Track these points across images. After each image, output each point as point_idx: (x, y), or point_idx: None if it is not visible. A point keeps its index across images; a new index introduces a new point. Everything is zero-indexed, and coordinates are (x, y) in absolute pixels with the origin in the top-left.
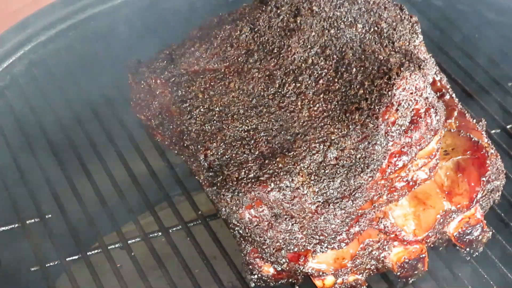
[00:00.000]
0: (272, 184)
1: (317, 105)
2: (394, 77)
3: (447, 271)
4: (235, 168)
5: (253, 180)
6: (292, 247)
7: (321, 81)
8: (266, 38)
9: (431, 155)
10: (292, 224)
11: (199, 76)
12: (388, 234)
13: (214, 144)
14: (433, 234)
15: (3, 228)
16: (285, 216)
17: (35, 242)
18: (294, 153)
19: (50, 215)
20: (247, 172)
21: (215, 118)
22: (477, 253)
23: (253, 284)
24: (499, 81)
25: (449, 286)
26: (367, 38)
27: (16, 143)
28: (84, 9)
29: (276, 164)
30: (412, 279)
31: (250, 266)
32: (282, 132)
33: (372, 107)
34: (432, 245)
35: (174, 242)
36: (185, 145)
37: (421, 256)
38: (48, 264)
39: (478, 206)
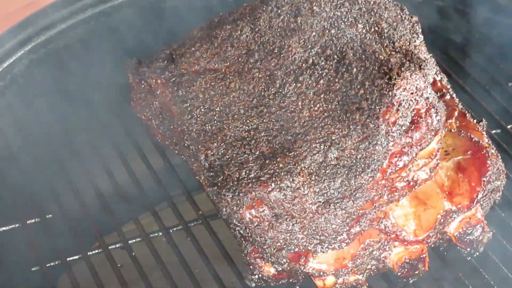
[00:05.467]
0: (273, 184)
1: (318, 105)
2: (394, 77)
3: (448, 271)
4: (235, 168)
5: (253, 180)
6: (293, 247)
7: (321, 81)
8: (267, 38)
9: (432, 155)
10: (293, 224)
11: (200, 76)
12: (388, 234)
13: (215, 144)
14: (433, 234)
15: (3, 228)
16: (286, 216)
17: (35, 242)
18: (295, 153)
19: (50, 215)
20: (247, 172)
21: (215, 118)
22: (477, 253)
23: (254, 284)
24: (499, 81)
25: (449, 286)
26: (368, 38)
27: (16, 143)
28: (84, 9)
29: (276, 164)
30: (413, 279)
31: (251, 266)
32: (283, 132)
33: (372, 107)
34: (432, 245)
35: (174, 242)
36: (185, 145)
37: (421, 256)
38: (48, 264)
39: (478, 206)
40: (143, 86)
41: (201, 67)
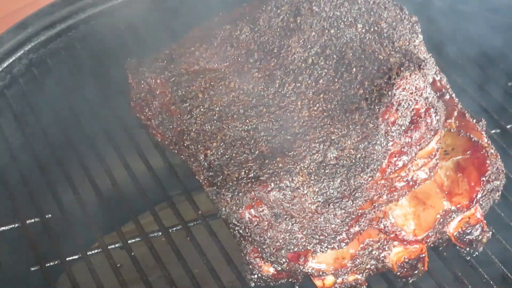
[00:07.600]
0: (272, 184)
1: (317, 105)
2: (394, 77)
3: (447, 271)
4: (235, 168)
5: (253, 180)
6: (292, 247)
7: (321, 81)
8: (266, 38)
9: (431, 155)
10: (292, 224)
11: (199, 76)
12: (388, 234)
13: (214, 143)
14: (433, 234)
15: (3, 228)
16: (285, 216)
17: (35, 242)
18: (294, 153)
19: (50, 215)
20: (247, 171)
21: (215, 118)
22: (477, 253)
23: (253, 284)
24: (499, 81)
25: (449, 286)
26: (367, 38)
27: (16, 143)
28: (84, 9)
29: (276, 164)
30: (412, 279)
31: (250, 266)
32: (282, 132)
33: (372, 107)
34: (432, 245)
35: (174, 242)
36: (185, 144)
37: (421, 256)
38: (48, 264)
39: (478, 206)
40: (142, 86)
41: (200, 67)
